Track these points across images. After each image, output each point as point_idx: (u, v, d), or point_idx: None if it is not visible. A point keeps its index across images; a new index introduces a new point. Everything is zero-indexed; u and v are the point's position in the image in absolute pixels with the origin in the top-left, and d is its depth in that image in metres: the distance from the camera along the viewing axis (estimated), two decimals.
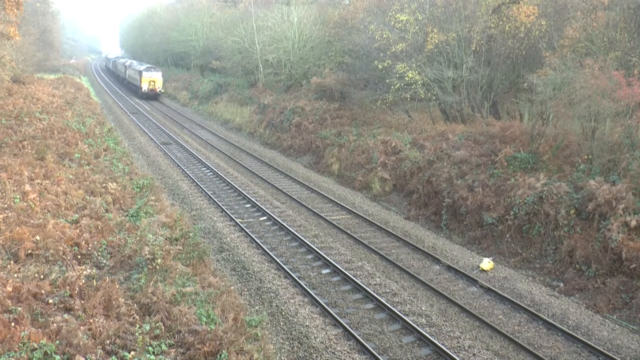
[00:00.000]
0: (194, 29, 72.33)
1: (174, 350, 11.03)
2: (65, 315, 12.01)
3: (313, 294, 15.57)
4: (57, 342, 10.79)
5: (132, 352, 10.57)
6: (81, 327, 11.51)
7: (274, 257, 18.25)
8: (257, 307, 14.99)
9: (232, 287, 15.71)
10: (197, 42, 71.42)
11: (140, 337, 11.19)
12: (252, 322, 12.95)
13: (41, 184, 20.68)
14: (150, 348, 10.88)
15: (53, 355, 10.35)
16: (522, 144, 23.81)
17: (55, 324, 11.44)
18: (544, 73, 24.95)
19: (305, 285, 16.26)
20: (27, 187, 19.73)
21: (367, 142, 30.09)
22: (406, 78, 30.43)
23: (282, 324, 14.21)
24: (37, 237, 15.61)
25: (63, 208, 18.91)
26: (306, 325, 14.00)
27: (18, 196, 18.80)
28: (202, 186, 26.97)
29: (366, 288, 15.92)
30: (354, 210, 23.97)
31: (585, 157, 21.15)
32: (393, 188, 26.87)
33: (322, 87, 40.90)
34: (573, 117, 22.63)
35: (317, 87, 41.36)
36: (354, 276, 16.79)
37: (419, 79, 30.29)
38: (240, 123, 46.66)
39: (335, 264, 17.61)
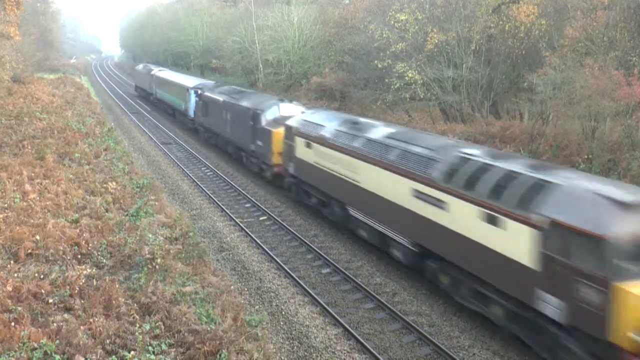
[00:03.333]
0: (194, 28, 72.29)
1: (174, 349, 11.04)
2: (65, 315, 12.04)
3: (313, 294, 15.59)
4: (57, 341, 10.79)
5: (132, 352, 10.57)
6: (81, 327, 11.53)
7: (273, 256, 18.25)
8: (257, 307, 15.00)
9: (232, 287, 15.73)
10: (197, 41, 71.38)
11: (140, 336, 11.19)
12: (252, 322, 12.96)
13: (41, 184, 20.73)
14: (150, 348, 10.88)
15: (53, 354, 10.35)
16: (522, 143, 23.86)
17: (55, 324, 11.46)
18: (544, 73, 24.99)
19: (305, 284, 16.27)
20: (27, 187, 19.79)
21: None
22: (406, 78, 30.46)
23: (282, 323, 14.22)
24: (37, 237, 15.65)
25: (63, 208, 18.96)
26: (306, 325, 14.04)
27: (18, 196, 18.83)
28: (202, 186, 26.96)
29: (366, 288, 15.94)
30: None
31: (586, 156, 21.17)
32: None
33: (322, 87, 40.96)
34: (573, 116, 22.65)
35: (317, 86, 41.39)
36: (354, 276, 16.80)
37: (418, 78, 30.34)
38: None
39: (335, 264, 17.64)
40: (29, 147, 25.09)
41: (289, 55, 47.68)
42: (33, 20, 65.72)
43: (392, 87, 31.69)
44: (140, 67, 67.54)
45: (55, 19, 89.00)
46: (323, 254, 18.39)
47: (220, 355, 10.79)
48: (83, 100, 48.53)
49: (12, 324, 11.21)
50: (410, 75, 30.41)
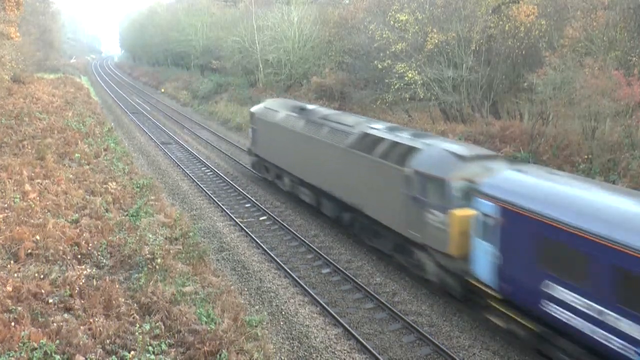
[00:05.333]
0: (194, 28, 71.93)
1: (174, 349, 11.03)
2: (65, 315, 12.01)
3: (313, 294, 15.57)
4: (57, 341, 10.77)
5: (132, 352, 10.57)
6: (81, 327, 11.50)
7: (273, 256, 18.25)
8: (257, 307, 14.99)
9: (232, 287, 15.71)
10: (197, 41, 70.98)
11: (140, 336, 11.19)
12: (252, 322, 12.96)
13: (41, 184, 20.70)
14: (150, 348, 10.87)
15: (53, 355, 10.34)
16: (522, 143, 23.81)
17: (55, 324, 11.43)
18: (544, 73, 24.95)
19: (305, 284, 16.25)
20: (27, 187, 19.76)
21: None
22: (406, 78, 30.47)
23: (282, 323, 14.22)
24: (37, 237, 15.62)
25: (63, 208, 18.92)
26: (306, 325, 14.04)
27: (18, 196, 18.81)
28: (202, 186, 26.94)
29: (366, 288, 15.93)
30: None
31: (586, 156, 21.15)
32: None
33: (322, 87, 40.84)
34: (573, 116, 22.61)
35: (317, 86, 41.29)
36: (354, 276, 16.80)
37: (418, 78, 30.32)
38: (240, 122, 46.19)
39: (335, 264, 17.62)
40: (29, 147, 25.07)
41: (289, 55, 47.59)
42: (33, 20, 65.66)
43: (392, 87, 31.72)
44: (286, 115, 24.82)
45: (55, 19, 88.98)
46: (323, 254, 18.38)
47: (220, 355, 10.77)
48: (83, 100, 48.51)
49: (12, 324, 11.19)
50: (410, 75, 30.44)
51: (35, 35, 63.11)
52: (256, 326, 12.88)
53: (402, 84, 30.97)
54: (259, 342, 12.10)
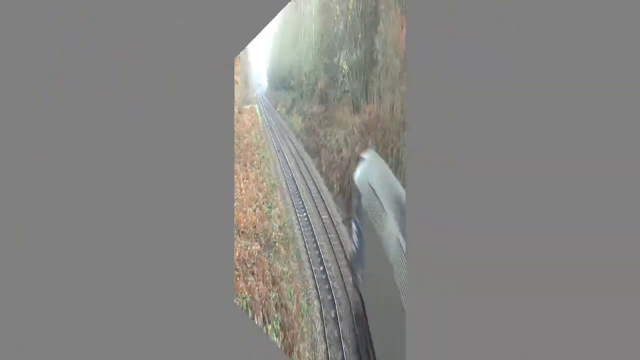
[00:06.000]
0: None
1: None
2: (251, 277, 11.17)
3: None
4: (249, 296, 9.92)
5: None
6: (256, 287, 10.49)
7: None
8: None
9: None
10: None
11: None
12: None
13: (244, 182, 19.33)
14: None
15: (247, 308, 9.46)
16: (383, 133, 10.69)
17: (248, 282, 10.62)
18: (378, 31, 10.62)
19: None
20: (241, 185, 18.87)
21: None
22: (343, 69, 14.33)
23: None
24: (245, 220, 14.82)
25: (250, 200, 17.25)
26: None
27: (238, 191, 17.83)
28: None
29: None
30: None
31: (392, 145, 9.99)
32: None
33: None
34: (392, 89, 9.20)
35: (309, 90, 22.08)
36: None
37: (346, 67, 14.35)
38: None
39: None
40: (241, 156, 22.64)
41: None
42: None
43: (337, 80, 14.71)
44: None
45: None
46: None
47: None
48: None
49: (237, 279, 10.93)
50: (341, 62, 13.98)
51: None
52: None
53: (341, 74, 14.27)
54: None
